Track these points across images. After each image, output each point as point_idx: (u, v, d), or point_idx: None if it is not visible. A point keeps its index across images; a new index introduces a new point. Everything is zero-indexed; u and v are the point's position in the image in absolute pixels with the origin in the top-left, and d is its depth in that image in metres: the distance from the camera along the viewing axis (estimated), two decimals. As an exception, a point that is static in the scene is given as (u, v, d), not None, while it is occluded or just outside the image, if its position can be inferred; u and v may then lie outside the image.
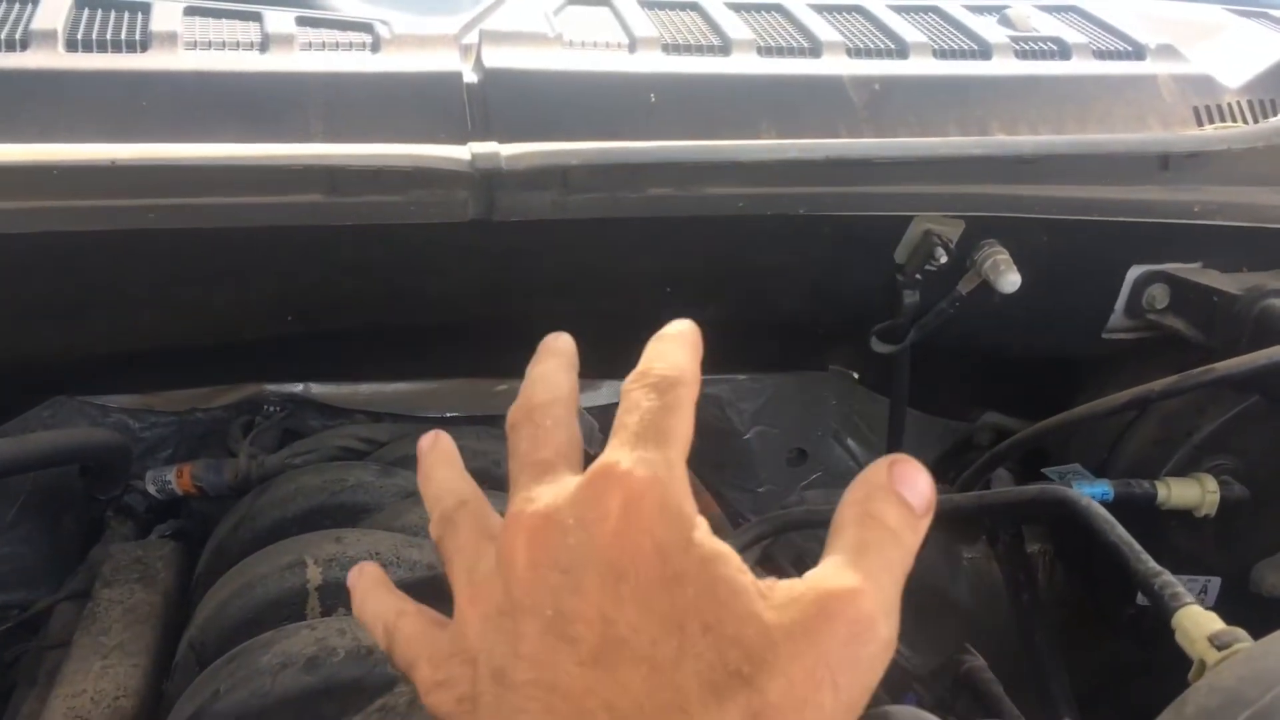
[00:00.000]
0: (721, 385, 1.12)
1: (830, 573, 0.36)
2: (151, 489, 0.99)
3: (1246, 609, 0.98)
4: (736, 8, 0.93)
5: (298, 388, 1.04)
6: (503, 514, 0.41)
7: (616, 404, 1.14)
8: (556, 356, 0.45)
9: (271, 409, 1.05)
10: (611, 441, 0.38)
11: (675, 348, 0.41)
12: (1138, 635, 1.03)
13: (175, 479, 0.98)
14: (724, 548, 0.36)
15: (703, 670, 0.34)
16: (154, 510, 1.01)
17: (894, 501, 0.37)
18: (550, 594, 0.36)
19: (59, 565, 0.98)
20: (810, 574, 0.36)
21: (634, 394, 0.40)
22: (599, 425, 1.04)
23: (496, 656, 0.37)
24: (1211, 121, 0.93)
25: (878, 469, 0.38)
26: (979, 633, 1.15)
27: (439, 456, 0.46)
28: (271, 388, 1.04)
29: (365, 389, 1.05)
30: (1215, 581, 1.00)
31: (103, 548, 0.95)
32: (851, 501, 0.38)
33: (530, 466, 0.40)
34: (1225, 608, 0.98)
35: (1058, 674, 1.05)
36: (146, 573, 0.89)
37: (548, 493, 0.38)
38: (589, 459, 0.44)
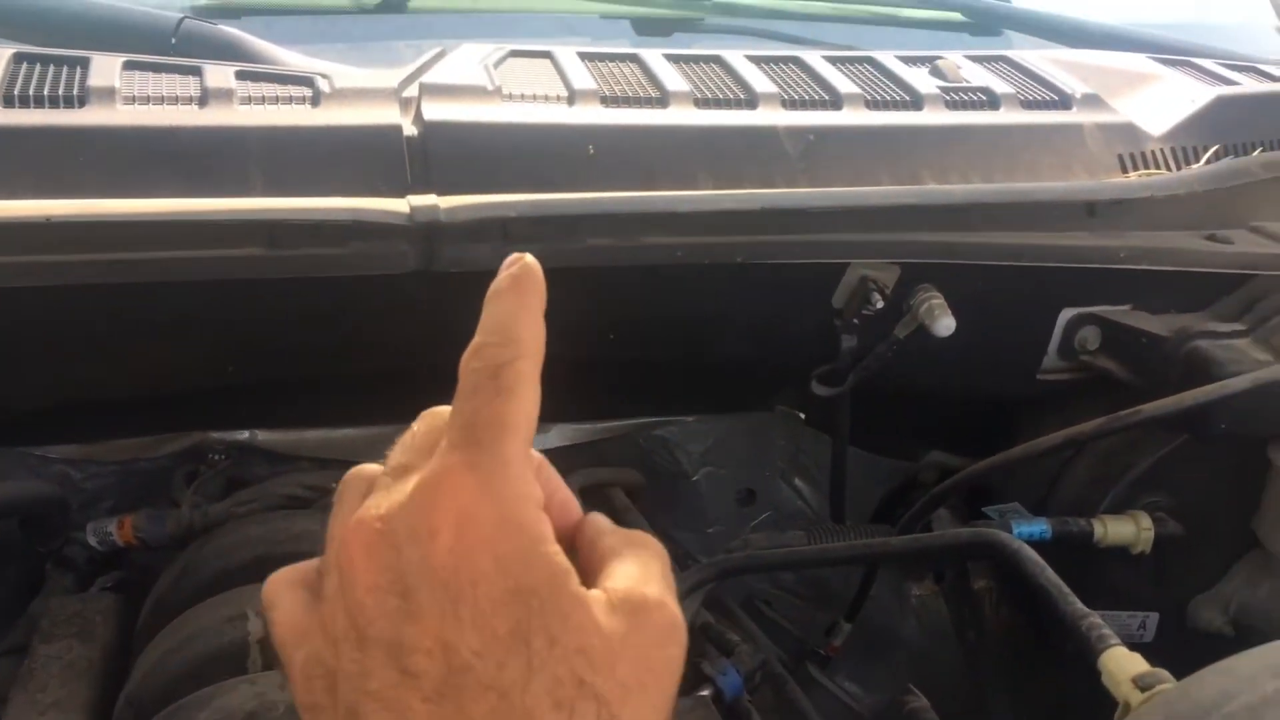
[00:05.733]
0: (669, 427, 1.13)
1: (637, 582, 0.37)
2: (92, 540, 0.97)
3: (1184, 644, 1.00)
4: (675, 59, 0.94)
5: (243, 435, 1.03)
6: None
7: (565, 447, 1.13)
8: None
9: (216, 457, 1.04)
10: (446, 436, 0.36)
11: (512, 310, 0.37)
12: (1082, 670, 1.04)
13: (116, 530, 0.97)
14: (564, 561, 0.36)
15: (552, 688, 0.34)
16: (95, 562, 0.99)
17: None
18: (390, 621, 0.34)
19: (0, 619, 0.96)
20: (619, 581, 0.37)
21: (467, 378, 0.36)
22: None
23: (350, 690, 0.35)
24: (1136, 169, 0.96)
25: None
26: (929, 670, 1.16)
27: None
28: (216, 435, 1.03)
29: (312, 435, 1.04)
30: (1154, 617, 1.01)
31: (41, 601, 0.93)
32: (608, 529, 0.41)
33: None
34: (1164, 643, 1.00)
35: (1004, 711, 1.06)
36: (85, 627, 0.88)
37: (395, 494, 0.36)
38: None
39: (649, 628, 0.36)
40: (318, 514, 0.94)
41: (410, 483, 0.36)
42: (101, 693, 0.82)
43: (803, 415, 1.16)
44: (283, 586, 0.41)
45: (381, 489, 0.37)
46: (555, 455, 1.06)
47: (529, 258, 0.39)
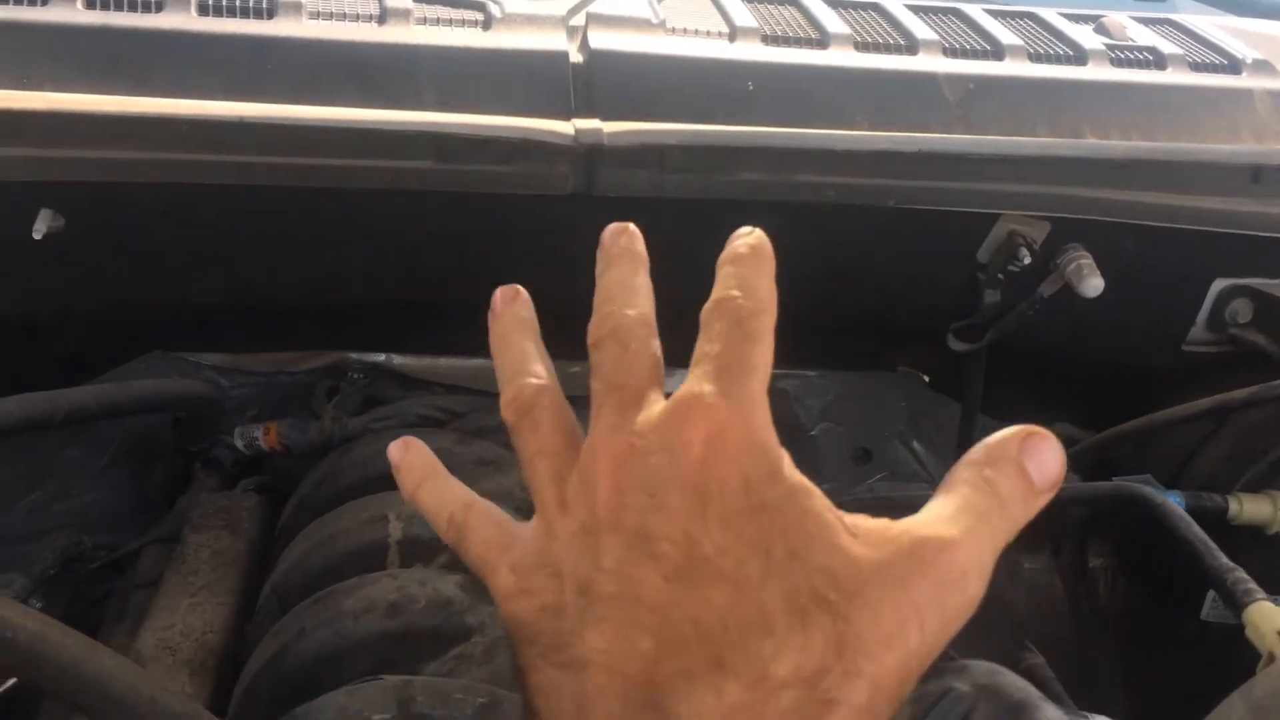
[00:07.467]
0: (790, 380, 1.13)
1: (928, 520, 0.36)
2: (239, 444, 1.02)
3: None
4: (834, 4, 0.94)
5: (380, 357, 1.07)
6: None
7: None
8: (631, 259, 0.43)
9: (355, 375, 1.08)
10: (694, 372, 0.38)
11: (753, 273, 0.40)
12: (1202, 653, 1.02)
13: (263, 436, 1.01)
14: (809, 484, 0.36)
15: (788, 593, 0.34)
16: (239, 465, 1.04)
17: (1014, 472, 0.36)
18: (635, 513, 0.36)
19: (145, 512, 1.02)
20: (907, 519, 0.36)
21: (715, 324, 0.39)
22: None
23: (581, 571, 0.37)
24: (1307, 137, 0.93)
25: (1009, 439, 0.36)
26: (1035, 644, 1.15)
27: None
28: (355, 356, 1.07)
29: (444, 363, 1.08)
30: (1285, 602, 0.99)
31: (190, 496, 0.99)
32: (970, 461, 0.37)
33: (615, 391, 0.40)
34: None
35: (1116, 690, 1.05)
36: (232, 521, 0.92)
37: (632, 419, 0.38)
38: None
39: (924, 567, 0.35)
40: (450, 434, 0.97)
41: (651, 405, 0.38)
42: (247, 581, 0.87)
43: (926, 378, 1.15)
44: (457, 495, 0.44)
45: (612, 414, 0.39)
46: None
47: (759, 231, 0.41)
